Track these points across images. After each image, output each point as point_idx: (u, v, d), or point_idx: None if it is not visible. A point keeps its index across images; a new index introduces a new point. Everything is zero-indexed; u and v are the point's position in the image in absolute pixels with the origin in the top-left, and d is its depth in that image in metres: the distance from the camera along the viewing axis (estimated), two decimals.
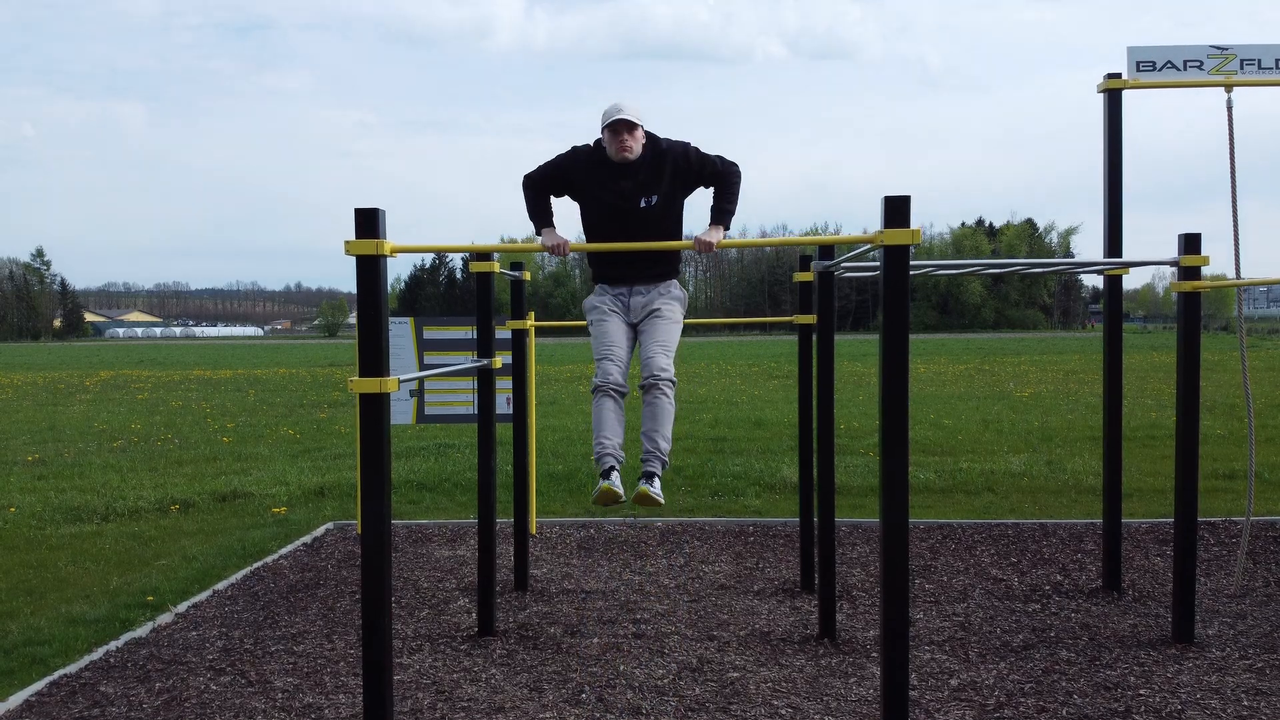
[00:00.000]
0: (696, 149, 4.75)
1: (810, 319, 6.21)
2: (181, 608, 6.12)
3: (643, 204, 4.59)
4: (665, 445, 4.49)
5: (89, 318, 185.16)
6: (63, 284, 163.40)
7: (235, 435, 15.08)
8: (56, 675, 5.00)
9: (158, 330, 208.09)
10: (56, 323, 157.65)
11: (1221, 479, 9.98)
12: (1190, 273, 5.19)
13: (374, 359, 3.59)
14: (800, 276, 6.35)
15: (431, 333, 8.27)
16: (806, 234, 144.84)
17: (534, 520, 7.95)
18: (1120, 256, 6.10)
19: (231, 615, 5.99)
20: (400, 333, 8.12)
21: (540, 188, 4.80)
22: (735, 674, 4.85)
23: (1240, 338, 6.24)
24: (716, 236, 4.50)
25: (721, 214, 4.63)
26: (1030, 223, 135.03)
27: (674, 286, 4.81)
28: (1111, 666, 4.94)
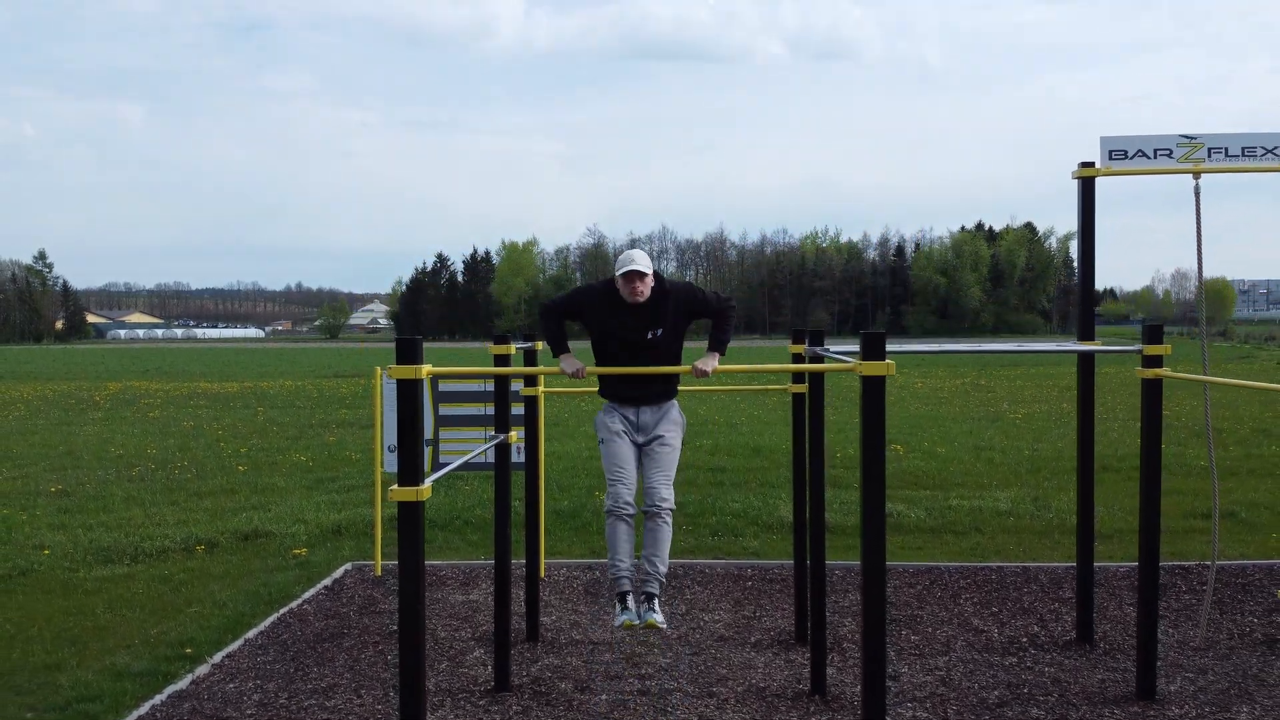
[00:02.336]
0: (698, 290, 5.42)
1: (802, 388, 6.66)
2: (216, 658, 6.58)
3: (649, 336, 5.10)
4: (663, 569, 5.10)
5: (90, 319, 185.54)
6: (65, 286, 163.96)
7: (249, 462, 15.53)
8: None
9: (159, 332, 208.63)
10: (58, 324, 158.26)
11: (1200, 518, 10.40)
12: (1153, 361, 5.64)
13: (412, 472, 4.04)
14: (793, 349, 6.76)
15: (446, 385, 8.73)
16: (806, 237, 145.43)
17: (543, 564, 8.40)
18: (1091, 338, 6.55)
19: (264, 666, 6.44)
20: None
21: (557, 317, 5.31)
22: None
23: (1205, 400, 6.69)
24: (712, 364, 5.02)
25: (718, 344, 5.25)
26: (1030, 227, 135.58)
27: (674, 409, 5.31)
28: None
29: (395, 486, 4.12)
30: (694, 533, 10.10)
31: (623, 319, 5.18)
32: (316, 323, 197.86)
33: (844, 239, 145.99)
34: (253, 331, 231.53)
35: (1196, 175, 6.68)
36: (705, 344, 5.47)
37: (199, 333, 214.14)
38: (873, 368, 3.91)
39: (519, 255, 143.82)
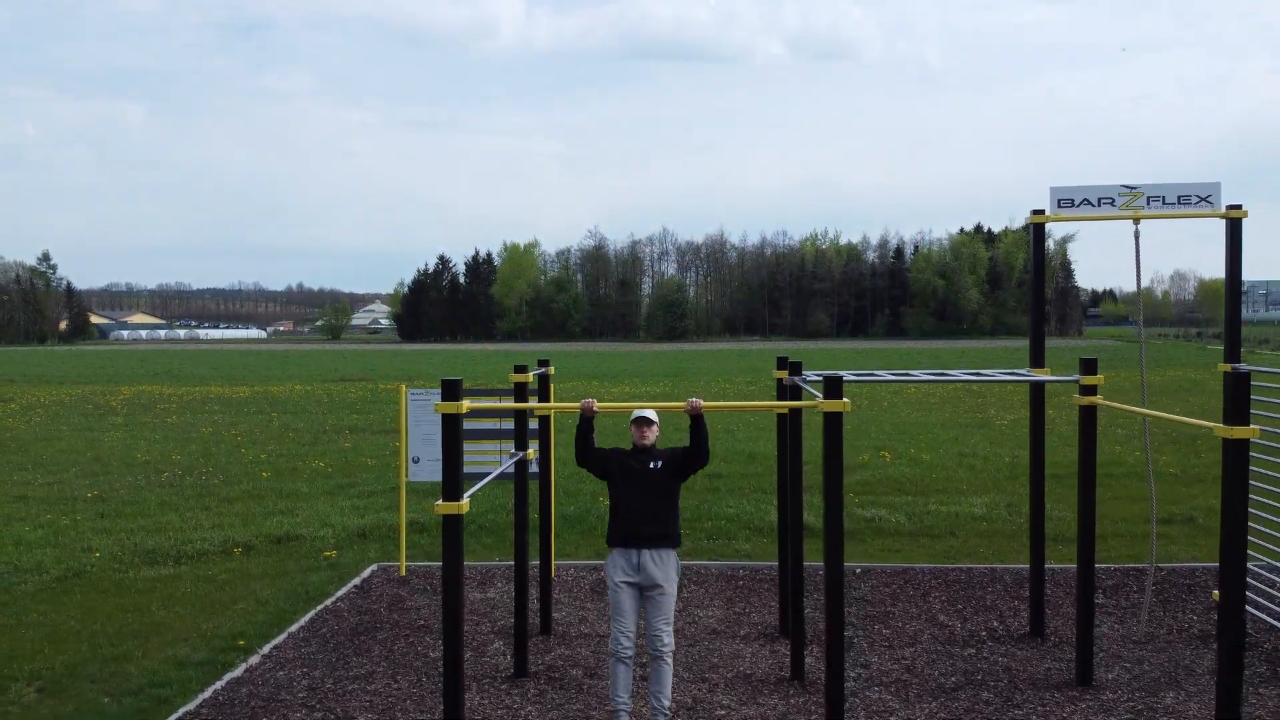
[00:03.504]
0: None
1: (785, 407, 7.49)
2: (265, 649, 7.42)
3: (651, 466, 5.91)
4: (667, 703, 5.83)
5: (93, 319, 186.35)
6: (69, 287, 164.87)
7: (271, 469, 16.37)
8: (181, 713, 6.29)
9: (161, 333, 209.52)
10: (62, 325, 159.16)
11: (1162, 523, 11.23)
12: (1088, 390, 6.48)
13: (453, 489, 4.87)
14: (778, 374, 7.59)
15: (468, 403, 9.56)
16: (805, 239, 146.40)
17: (554, 565, 9.23)
18: (1042, 365, 7.40)
19: (308, 656, 7.28)
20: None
21: (586, 437, 6.07)
22: (722, 712, 6.15)
23: (1144, 430, 7.52)
24: (699, 402, 5.73)
25: (699, 441, 5.98)
26: (1028, 229, 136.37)
27: (672, 558, 5.98)
28: (1020, 706, 6.23)
29: (440, 501, 4.95)
30: (691, 536, 10.93)
31: (632, 458, 6.04)
32: (318, 323, 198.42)
33: (843, 240, 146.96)
34: (254, 332, 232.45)
35: (1136, 221, 7.51)
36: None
37: (201, 333, 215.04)
38: (831, 405, 4.75)
39: (520, 257, 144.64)
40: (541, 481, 8.09)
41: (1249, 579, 7.57)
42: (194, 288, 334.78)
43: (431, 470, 9.56)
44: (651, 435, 6.06)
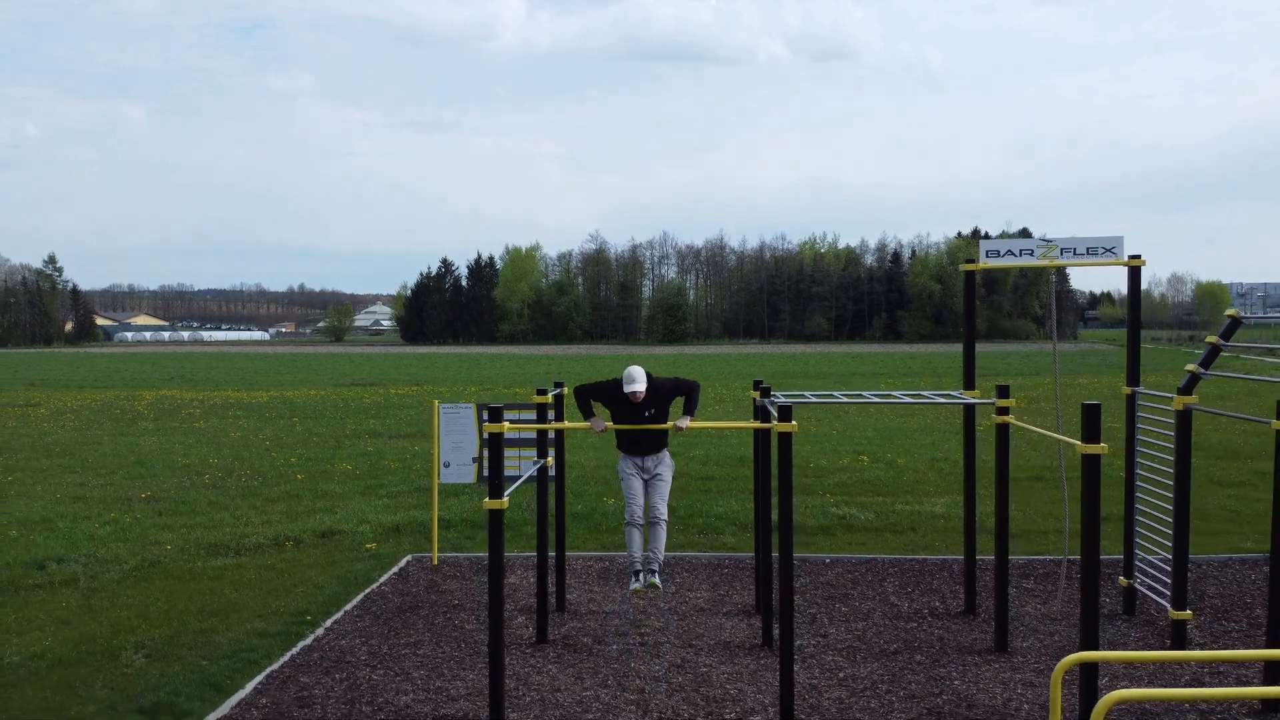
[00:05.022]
0: (674, 379, 7.79)
1: (750, 427, 9.01)
2: (328, 624, 8.95)
3: (645, 414, 7.52)
4: (661, 555, 7.58)
5: (97, 321, 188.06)
6: (74, 290, 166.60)
7: (303, 470, 17.93)
8: (268, 671, 7.81)
9: (165, 334, 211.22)
10: (68, 327, 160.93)
11: (1103, 520, 12.73)
12: (1002, 410, 8.01)
13: (497, 490, 6.40)
14: (753, 394, 9.10)
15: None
16: (804, 243, 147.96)
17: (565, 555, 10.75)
18: (973, 388, 8.93)
19: (365, 629, 8.81)
20: (465, 417, 10.94)
21: (586, 398, 7.75)
22: (705, 669, 7.67)
23: (1060, 456, 9.04)
24: (686, 423, 7.40)
25: (690, 410, 7.74)
26: (1025, 232, 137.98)
27: (666, 455, 7.76)
28: (945, 666, 7.75)
29: (487, 499, 6.48)
30: (684, 532, 12.46)
31: (627, 405, 7.62)
32: (320, 325, 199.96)
33: (842, 244, 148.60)
34: (257, 334, 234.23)
35: (1053, 269, 9.04)
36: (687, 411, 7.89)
37: (205, 335, 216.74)
38: (784, 427, 6.28)
39: (522, 260, 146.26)
40: (556, 484, 9.60)
41: (1144, 565, 9.11)
42: (195, 288, 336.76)
43: (460, 474, 11.08)
44: (641, 393, 7.54)
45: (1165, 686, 7.33)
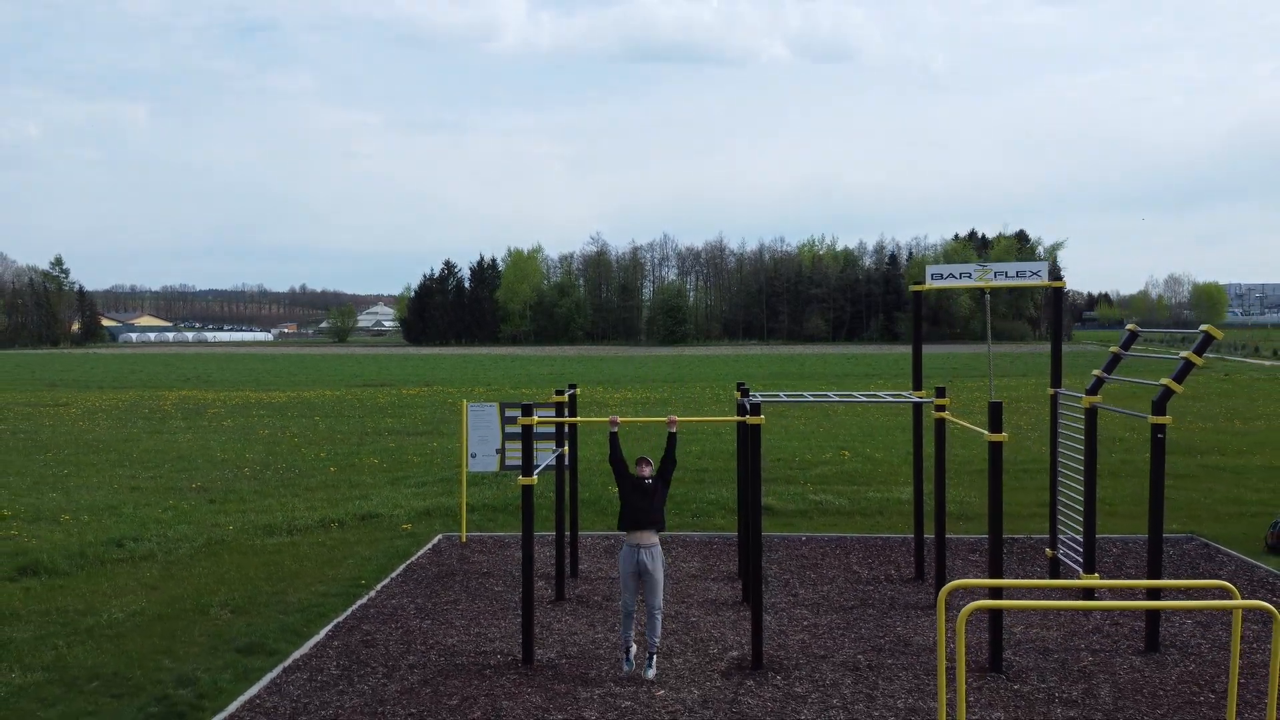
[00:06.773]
0: (662, 464, 8.97)
1: (728, 421, 10.73)
2: (378, 588, 10.66)
3: (647, 482, 9.05)
4: (658, 642, 8.50)
5: (102, 322, 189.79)
6: (80, 291, 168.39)
7: (334, 464, 19.65)
8: (335, 622, 9.52)
9: (169, 335, 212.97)
10: (74, 327, 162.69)
11: (1040, 506, 14.44)
12: (940, 408, 9.73)
13: (529, 469, 8.11)
14: (736, 395, 10.81)
15: (511, 413, 12.81)
16: (803, 245, 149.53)
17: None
18: (920, 389, 10.65)
19: (410, 590, 10.52)
20: (490, 414, 12.66)
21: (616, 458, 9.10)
22: (694, 619, 9.39)
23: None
24: (676, 420, 8.86)
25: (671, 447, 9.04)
26: (1021, 235, 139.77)
27: (660, 554, 8.70)
28: (890, 618, 9.46)
29: (520, 476, 8.20)
30: (680, 515, 14.17)
31: (636, 478, 9.09)
32: (323, 326, 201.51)
33: (840, 246, 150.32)
34: (260, 334, 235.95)
35: (987, 289, 10.75)
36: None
37: (208, 335, 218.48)
38: (753, 420, 7.99)
39: (524, 262, 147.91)
40: (570, 471, 11.31)
41: (1066, 541, 10.81)
42: (198, 289, 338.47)
43: (485, 463, 12.78)
44: (647, 472, 9.09)
45: (1059, 628, 9.05)
